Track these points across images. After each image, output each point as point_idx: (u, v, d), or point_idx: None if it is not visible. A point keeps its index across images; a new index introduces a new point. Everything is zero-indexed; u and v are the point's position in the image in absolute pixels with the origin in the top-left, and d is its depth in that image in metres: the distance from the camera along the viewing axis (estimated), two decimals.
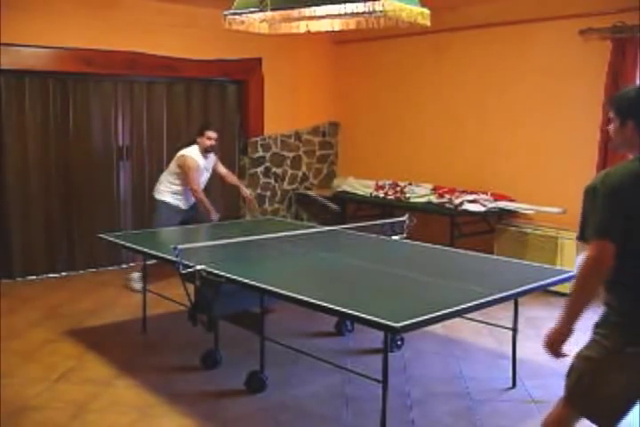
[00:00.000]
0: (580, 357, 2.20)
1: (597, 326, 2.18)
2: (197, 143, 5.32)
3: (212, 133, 5.29)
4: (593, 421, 2.22)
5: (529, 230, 5.58)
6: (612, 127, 2.20)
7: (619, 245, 2.04)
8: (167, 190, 5.38)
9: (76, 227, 5.98)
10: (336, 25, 3.80)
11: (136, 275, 5.37)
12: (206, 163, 5.39)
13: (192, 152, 5.30)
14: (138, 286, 5.23)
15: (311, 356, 3.56)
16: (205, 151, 5.32)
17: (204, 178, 5.43)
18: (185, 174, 5.26)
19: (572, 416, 2.26)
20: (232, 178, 5.75)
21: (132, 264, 6.01)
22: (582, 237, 2.15)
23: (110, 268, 6.10)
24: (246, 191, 5.77)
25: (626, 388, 2.15)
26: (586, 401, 2.21)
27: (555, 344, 2.19)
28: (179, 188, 5.35)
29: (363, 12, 3.37)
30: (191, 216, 5.45)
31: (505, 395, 3.50)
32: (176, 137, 6.40)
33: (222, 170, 5.63)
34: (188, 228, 5.18)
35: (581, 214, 2.15)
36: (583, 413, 2.23)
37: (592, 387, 2.17)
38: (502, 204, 5.75)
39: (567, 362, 2.23)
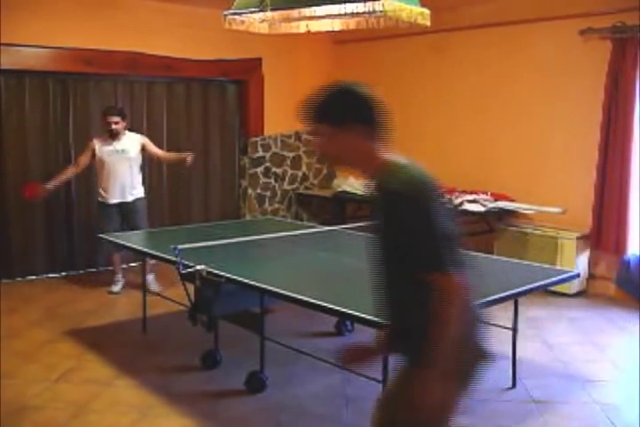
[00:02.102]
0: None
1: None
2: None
3: (109, 118, 5.25)
4: None
5: (529, 230, 5.57)
6: (320, 141, 1.89)
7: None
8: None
9: (76, 227, 5.98)
10: (336, 25, 3.80)
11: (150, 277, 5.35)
12: (117, 145, 5.31)
13: (95, 138, 5.40)
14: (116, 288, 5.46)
15: (311, 356, 3.57)
16: (111, 135, 5.28)
17: (117, 161, 5.32)
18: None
19: None
20: (167, 155, 5.64)
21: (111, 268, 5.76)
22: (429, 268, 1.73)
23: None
24: (183, 155, 5.55)
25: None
26: None
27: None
28: (101, 181, 5.37)
29: (363, 12, 3.37)
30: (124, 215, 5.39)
31: (505, 395, 3.49)
32: (176, 137, 6.41)
33: (157, 151, 5.55)
34: (188, 228, 5.17)
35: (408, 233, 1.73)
36: None
37: None
38: (502, 204, 5.74)
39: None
